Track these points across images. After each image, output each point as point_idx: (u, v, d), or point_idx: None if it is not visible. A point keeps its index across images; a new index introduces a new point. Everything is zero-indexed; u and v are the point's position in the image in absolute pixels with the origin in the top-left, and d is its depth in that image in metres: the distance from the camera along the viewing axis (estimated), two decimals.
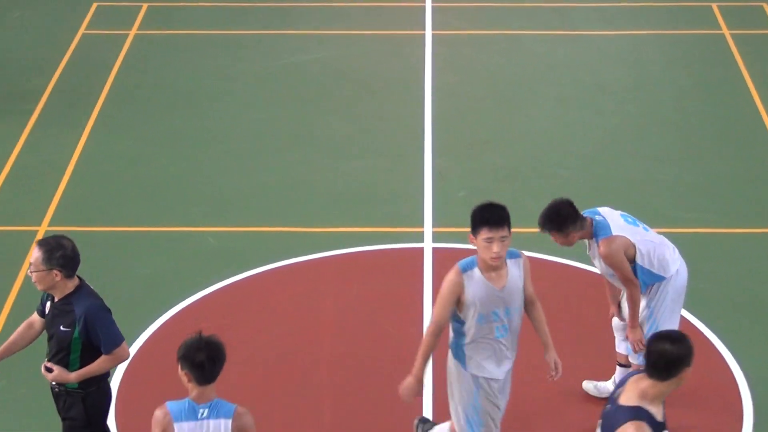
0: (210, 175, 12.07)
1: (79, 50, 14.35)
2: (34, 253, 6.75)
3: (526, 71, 13.97)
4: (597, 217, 8.07)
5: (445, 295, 7.26)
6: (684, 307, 9.50)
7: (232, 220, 11.35)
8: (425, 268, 10.35)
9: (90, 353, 6.84)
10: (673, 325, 8.16)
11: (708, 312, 9.67)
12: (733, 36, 14.28)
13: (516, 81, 13.73)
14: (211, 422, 6.35)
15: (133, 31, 14.66)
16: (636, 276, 8.09)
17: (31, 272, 6.84)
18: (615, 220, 8.10)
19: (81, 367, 6.76)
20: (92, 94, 13.39)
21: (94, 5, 15.32)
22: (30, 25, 15.17)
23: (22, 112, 13.07)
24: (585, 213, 8.05)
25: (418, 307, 9.92)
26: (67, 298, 6.79)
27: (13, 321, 9.18)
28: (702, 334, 9.50)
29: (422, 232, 10.93)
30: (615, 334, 8.66)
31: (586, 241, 8.09)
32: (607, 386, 8.80)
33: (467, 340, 7.42)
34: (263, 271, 10.53)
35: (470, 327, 7.32)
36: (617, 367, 8.67)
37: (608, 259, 7.89)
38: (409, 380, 7.40)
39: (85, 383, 6.90)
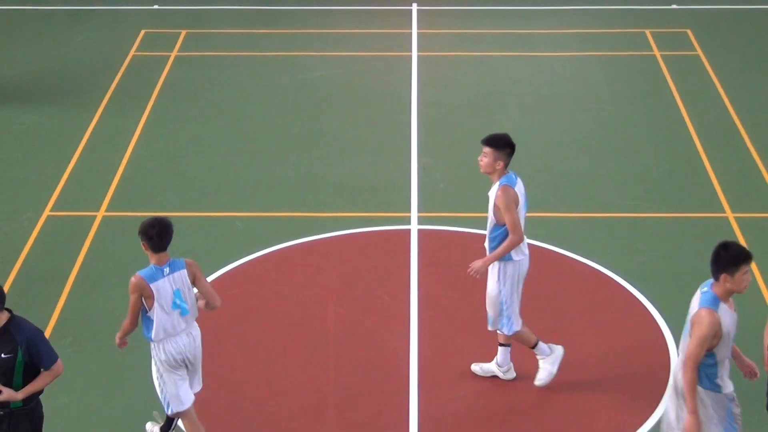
0: (237, 169, 12.06)
1: (130, 68, 14.35)
2: None
3: (495, 85, 13.96)
4: (512, 173, 8.03)
5: (706, 335, 6.44)
6: (623, 278, 9.72)
7: (254, 207, 11.33)
8: (412, 245, 10.36)
9: (31, 373, 6.45)
10: (517, 303, 8.09)
11: (643, 282, 9.69)
12: (662, 56, 14.39)
13: (486, 93, 13.72)
14: (175, 275, 7.39)
15: (174, 53, 14.71)
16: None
17: None
18: (520, 186, 8.05)
19: (23, 386, 6.36)
20: (141, 103, 13.39)
21: (143, 32, 15.30)
22: (91, 47, 15.13)
23: (82, 119, 12.99)
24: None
25: (405, 277, 9.86)
26: (4, 329, 6.29)
27: (74, 295, 9.04)
28: (638, 300, 9.55)
29: (409, 217, 10.94)
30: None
31: (492, 181, 8.01)
32: (491, 367, 8.50)
33: (718, 367, 6.68)
34: (280, 249, 10.50)
35: (722, 355, 6.65)
36: (499, 347, 8.38)
37: (500, 200, 7.81)
38: (689, 419, 6.59)
39: (28, 400, 6.50)
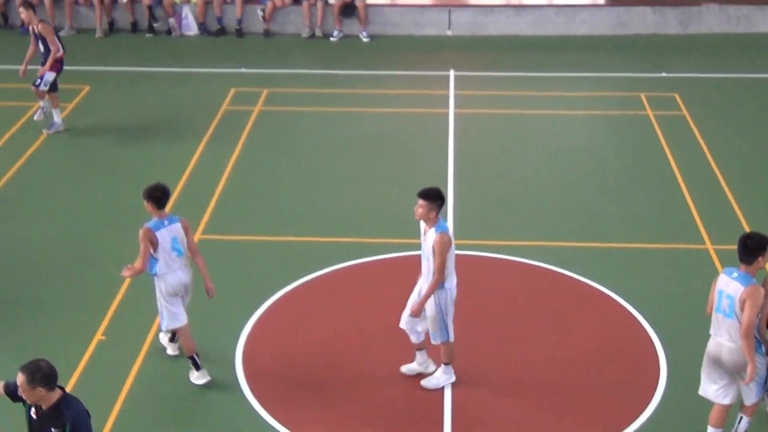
0: (302, 201, 12.15)
1: (223, 119, 14.47)
2: (19, 378, 5.80)
3: (517, 136, 14.04)
4: (442, 220, 7.92)
5: (761, 303, 6.85)
6: (619, 296, 9.77)
7: (316, 233, 11.35)
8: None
9: None
10: (451, 320, 8.05)
11: (636, 300, 9.72)
12: (654, 115, 14.43)
13: (510, 142, 13.82)
14: (172, 226, 8.44)
15: (258, 107, 14.83)
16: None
17: (20, 393, 5.94)
18: (449, 229, 7.97)
19: None
20: (231, 146, 13.49)
21: (233, 90, 15.44)
22: (191, 102, 15.28)
23: (185, 158, 13.13)
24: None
25: None
26: (56, 406, 5.90)
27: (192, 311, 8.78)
28: (632, 315, 9.55)
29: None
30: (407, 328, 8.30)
31: (424, 226, 7.86)
32: (413, 366, 8.52)
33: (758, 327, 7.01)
34: (338, 269, 10.48)
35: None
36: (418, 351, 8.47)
37: (438, 245, 7.67)
38: (751, 367, 6.87)
39: None
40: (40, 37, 13.55)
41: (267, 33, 18.29)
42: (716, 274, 9.62)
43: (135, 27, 18.62)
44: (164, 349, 9.08)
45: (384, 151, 13.53)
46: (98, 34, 18.43)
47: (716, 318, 7.20)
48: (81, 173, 13.04)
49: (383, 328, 9.16)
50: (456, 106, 14.88)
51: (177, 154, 13.39)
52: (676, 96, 15.11)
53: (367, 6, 18.07)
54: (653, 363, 8.80)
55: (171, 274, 8.51)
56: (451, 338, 8.18)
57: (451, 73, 16.16)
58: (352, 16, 18.11)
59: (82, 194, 12.37)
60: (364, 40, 17.99)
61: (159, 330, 9.17)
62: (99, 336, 9.38)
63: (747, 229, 10.95)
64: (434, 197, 7.77)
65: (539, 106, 14.96)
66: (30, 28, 13.76)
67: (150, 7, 18.32)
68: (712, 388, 7.35)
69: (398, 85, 15.96)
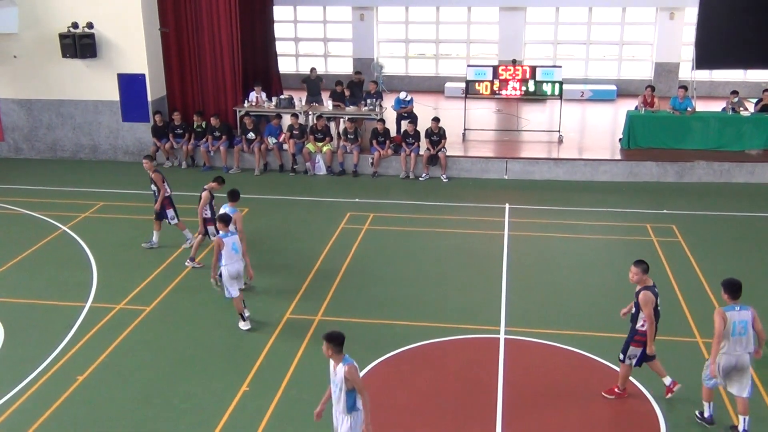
0: (396, 294, 12.20)
1: (340, 235, 14.70)
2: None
3: (555, 253, 13.95)
4: (346, 354, 7.22)
5: None
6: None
7: (405, 318, 11.40)
8: (500, 349, 10.37)
9: None
10: None
11: (642, 378, 9.46)
12: (657, 241, 14.35)
13: (550, 257, 13.71)
14: (233, 236, 10.57)
15: (365, 227, 15.07)
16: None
17: None
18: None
19: None
20: (346, 252, 13.64)
21: (348, 214, 15.74)
22: (318, 221, 15.50)
23: (312, 259, 13.36)
24: None
25: (494, 370, 9.77)
26: None
27: (295, 378, 8.98)
28: (636, 386, 9.37)
29: (499, 329, 10.96)
30: None
31: (333, 363, 7.25)
32: None
33: None
34: (419, 345, 10.49)
35: None
36: None
37: (351, 375, 7.12)
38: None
39: None
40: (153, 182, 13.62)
41: (375, 174, 18.76)
42: (703, 359, 9.55)
43: (282, 168, 19.29)
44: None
45: (457, 261, 13.57)
46: (256, 172, 19.13)
47: (734, 340, 8.08)
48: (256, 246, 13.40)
49: (454, 393, 9.14)
50: (510, 230, 14.96)
51: (310, 252, 13.76)
52: (674, 227, 14.99)
53: (447, 157, 18.43)
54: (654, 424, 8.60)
55: (231, 265, 10.67)
56: None
57: (507, 207, 16.28)
58: (436, 164, 18.50)
59: None
60: (444, 180, 18.29)
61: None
62: (244, 387, 9.51)
63: None
64: (334, 339, 7.09)
65: (571, 232, 14.95)
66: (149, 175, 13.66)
67: (293, 155, 19.01)
68: (737, 386, 8.23)
69: (468, 213, 16.06)
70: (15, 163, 20.03)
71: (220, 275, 10.95)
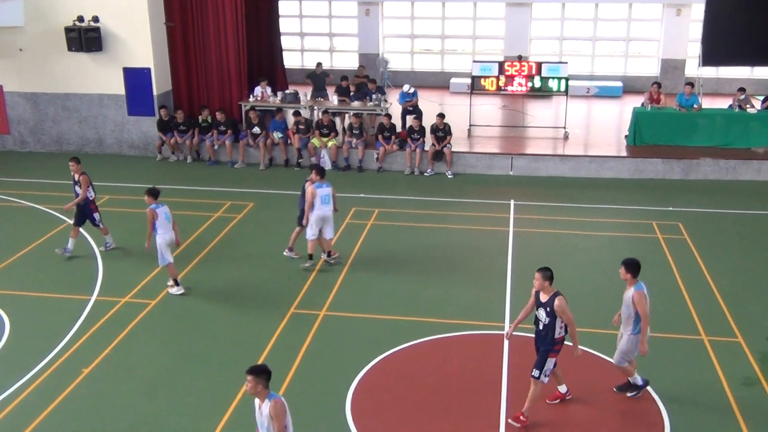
0: (400, 290, 12.18)
1: (346, 230, 14.53)
2: None
3: (562, 249, 13.93)
4: (272, 392, 6.62)
5: None
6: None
7: (407, 313, 11.40)
8: (505, 345, 10.30)
9: None
10: None
11: (647, 374, 9.45)
12: (663, 238, 14.28)
13: (556, 253, 13.64)
14: (164, 207, 11.75)
15: (370, 222, 14.78)
16: None
17: None
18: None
19: None
20: (351, 247, 13.50)
21: (353, 209, 15.47)
22: None
23: (317, 253, 13.44)
24: None
25: (498, 366, 9.79)
26: None
27: (302, 368, 8.98)
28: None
29: (504, 326, 10.94)
30: None
31: (258, 401, 6.60)
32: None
33: None
34: (422, 342, 10.51)
35: None
36: None
37: (275, 411, 6.47)
38: None
39: None
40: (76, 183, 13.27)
41: (380, 169, 18.75)
42: (709, 358, 9.52)
43: (287, 162, 19.28)
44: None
45: (462, 257, 13.56)
46: (261, 167, 19.13)
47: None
48: (261, 240, 13.41)
49: (458, 389, 9.15)
50: (515, 226, 14.94)
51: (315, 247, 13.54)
52: (680, 225, 14.96)
53: (452, 152, 18.40)
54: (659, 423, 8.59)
55: (164, 234, 11.65)
56: None
57: (512, 203, 16.26)
58: (441, 160, 18.48)
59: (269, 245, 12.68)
60: (449, 176, 18.28)
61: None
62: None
63: (733, 325, 10.75)
64: (260, 372, 6.50)
65: (576, 228, 14.92)
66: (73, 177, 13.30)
67: (299, 149, 19.01)
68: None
69: (473, 209, 16.05)
70: (21, 156, 20.06)
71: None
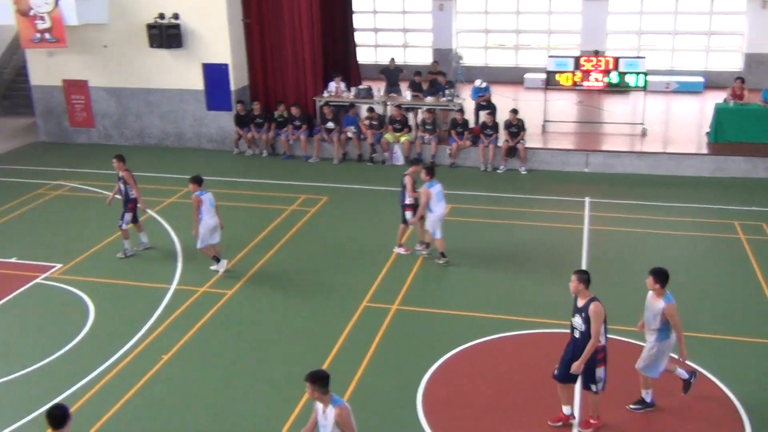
0: (471, 285, 12.10)
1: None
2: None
3: (639, 248, 13.65)
4: (333, 394, 6.52)
5: None
6: (711, 375, 9.26)
7: (478, 309, 11.33)
8: None
9: None
10: None
11: (728, 379, 9.29)
12: (746, 239, 13.90)
13: (633, 252, 13.40)
14: (206, 193, 12.36)
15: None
16: None
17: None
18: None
19: None
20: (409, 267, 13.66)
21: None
22: (395, 210, 15.45)
23: (389, 248, 13.47)
24: None
25: None
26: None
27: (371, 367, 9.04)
28: (720, 389, 9.13)
29: None
30: None
31: (321, 405, 6.52)
32: None
33: None
34: (494, 338, 10.46)
35: None
36: None
37: (342, 418, 6.36)
38: None
39: None
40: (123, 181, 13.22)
41: (452, 165, 18.69)
42: None
43: (360, 158, 19.41)
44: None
45: (535, 254, 13.43)
46: (335, 161, 19.31)
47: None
48: (335, 233, 13.55)
49: (529, 387, 9.10)
50: (590, 224, 14.72)
51: (387, 241, 13.71)
52: (764, 225, 14.51)
53: (526, 148, 18.22)
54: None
55: (209, 221, 12.20)
56: None
57: (586, 200, 16.02)
58: (514, 156, 18.32)
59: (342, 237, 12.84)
60: (523, 172, 18.10)
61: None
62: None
63: None
64: (315, 380, 6.45)
65: (653, 227, 14.60)
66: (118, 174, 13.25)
67: (372, 144, 19.11)
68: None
69: (547, 206, 15.87)
70: (105, 148, 20.72)
71: None
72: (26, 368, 9.92)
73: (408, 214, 13.09)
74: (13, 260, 13.46)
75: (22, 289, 12.29)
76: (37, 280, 12.57)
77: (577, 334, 7.97)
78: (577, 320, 7.90)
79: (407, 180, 13.02)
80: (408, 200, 13.04)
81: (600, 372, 8.02)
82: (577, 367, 7.87)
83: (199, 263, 13.05)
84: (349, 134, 19.26)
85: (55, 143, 21.49)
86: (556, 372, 8.26)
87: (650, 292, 8.38)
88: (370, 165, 18.99)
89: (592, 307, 7.70)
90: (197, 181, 12.22)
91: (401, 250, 13.36)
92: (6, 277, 12.76)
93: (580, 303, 7.87)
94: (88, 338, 10.74)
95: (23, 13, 19.06)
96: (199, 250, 12.56)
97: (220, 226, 12.47)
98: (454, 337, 10.40)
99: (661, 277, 8.10)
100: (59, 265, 13.14)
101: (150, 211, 15.41)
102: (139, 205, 13.48)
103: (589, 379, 8.05)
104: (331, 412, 6.35)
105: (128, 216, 13.33)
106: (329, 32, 21.63)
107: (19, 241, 14.38)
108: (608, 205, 15.83)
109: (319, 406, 6.51)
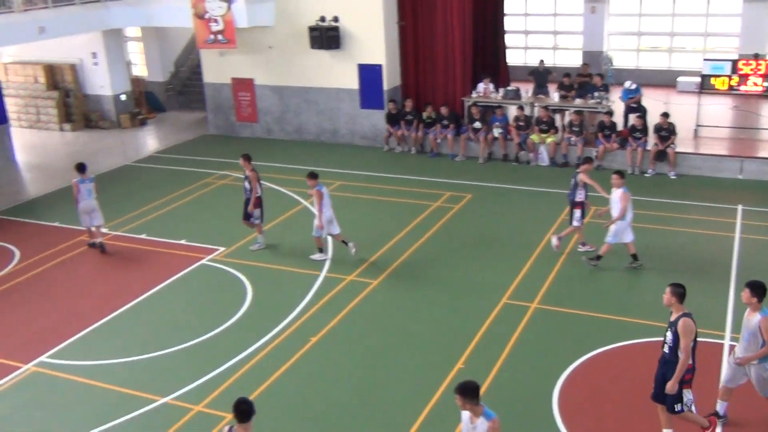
0: (614, 287, 11.66)
1: (562, 226, 14.32)
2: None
3: None
4: (485, 406, 6.25)
5: None
6: None
7: (621, 313, 10.96)
8: (723, 356, 9.68)
9: None
10: None
11: None
12: None
13: None
14: (324, 187, 12.60)
15: (586, 219, 14.45)
16: None
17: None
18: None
19: None
20: (566, 241, 13.31)
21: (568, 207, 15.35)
22: (533, 210, 15.19)
23: (537, 241, 13.25)
24: None
25: (715, 376, 9.04)
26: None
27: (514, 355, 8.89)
28: None
29: (724, 334, 10.26)
30: None
31: (470, 415, 6.24)
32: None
33: None
34: (635, 343, 10.11)
35: None
36: None
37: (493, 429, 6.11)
38: None
39: None
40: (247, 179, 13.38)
41: (598, 167, 18.11)
42: None
43: (506, 157, 19.23)
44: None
45: (682, 260, 12.89)
46: (480, 160, 19.24)
47: None
48: (478, 230, 13.58)
49: None
50: (742, 232, 13.92)
51: (529, 241, 13.67)
52: None
53: (676, 153, 17.41)
54: None
55: (327, 212, 12.66)
56: None
57: (739, 207, 15.13)
58: (664, 160, 17.56)
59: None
60: (672, 177, 17.33)
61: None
62: (459, 365, 9.63)
63: None
64: (465, 392, 6.16)
65: None
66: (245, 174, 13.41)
67: (518, 144, 18.89)
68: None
69: (696, 212, 15.13)
70: (267, 142, 21.69)
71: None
72: (190, 341, 10.59)
73: (577, 213, 12.97)
74: (182, 242, 14.38)
75: (190, 269, 13.13)
76: (203, 261, 13.38)
77: (666, 349, 7.53)
78: (668, 335, 7.46)
79: (582, 177, 12.80)
80: (579, 197, 12.93)
81: (687, 394, 7.51)
82: (671, 386, 7.39)
83: (346, 252, 13.41)
84: (496, 134, 19.13)
85: (223, 136, 22.69)
86: (652, 393, 7.78)
87: (747, 309, 7.77)
88: (515, 165, 18.79)
89: (681, 323, 7.25)
90: (313, 176, 12.61)
91: (587, 248, 13.25)
92: (176, 257, 13.66)
93: (673, 317, 7.43)
94: (245, 317, 11.32)
95: (199, 16, 20.28)
96: (315, 239, 13.00)
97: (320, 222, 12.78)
98: (592, 339, 10.19)
99: (759, 290, 7.53)
100: (222, 248, 13.91)
101: (306, 203, 15.95)
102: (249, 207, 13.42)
103: (676, 400, 7.54)
104: (483, 424, 6.12)
105: (257, 212, 13.45)
106: (480, 34, 21.55)
107: (189, 224, 15.34)
108: (763, 213, 14.88)
109: (468, 415, 6.28)
